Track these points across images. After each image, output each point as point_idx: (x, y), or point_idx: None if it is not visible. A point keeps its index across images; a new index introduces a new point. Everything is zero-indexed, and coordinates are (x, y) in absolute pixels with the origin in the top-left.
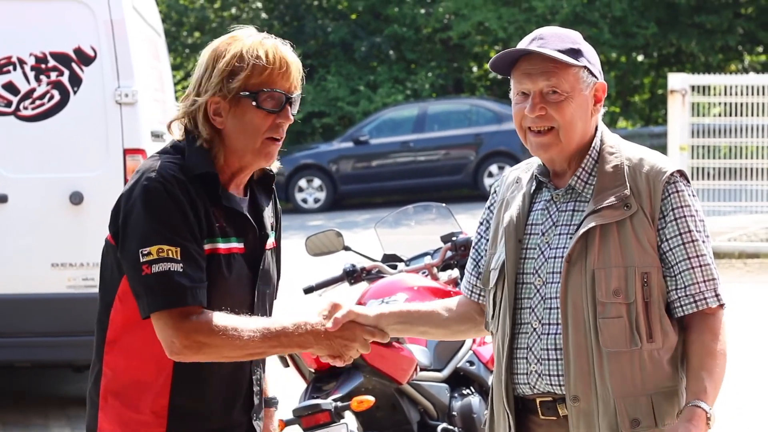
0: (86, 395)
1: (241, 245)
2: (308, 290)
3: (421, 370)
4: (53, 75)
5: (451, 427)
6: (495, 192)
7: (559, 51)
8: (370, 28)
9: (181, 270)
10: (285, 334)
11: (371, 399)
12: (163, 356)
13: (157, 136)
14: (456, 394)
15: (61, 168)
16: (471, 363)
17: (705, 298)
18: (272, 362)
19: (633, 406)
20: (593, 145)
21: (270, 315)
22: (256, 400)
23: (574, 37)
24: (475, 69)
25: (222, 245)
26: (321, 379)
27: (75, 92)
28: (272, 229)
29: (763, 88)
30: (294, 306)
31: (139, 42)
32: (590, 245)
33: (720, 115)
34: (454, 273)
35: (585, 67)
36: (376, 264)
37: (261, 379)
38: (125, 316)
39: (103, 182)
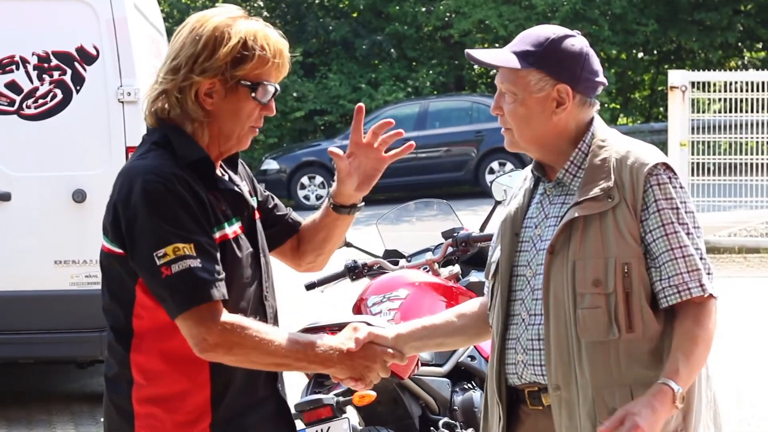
0: (105, 405)
1: (240, 224)
2: (310, 286)
3: (423, 365)
4: (56, 74)
5: (452, 421)
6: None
7: (515, 53)
8: (371, 27)
9: (200, 265)
10: (312, 348)
11: (373, 394)
12: None
13: None
14: (457, 389)
15: (64, 166)
16: (472, 358)
17: (688, 288)
18: None
19: (611, 396)
20: (584, 139)
21: (273, 285)
22: (279, 373)
23: (541, 38)
24: (475, 66)
25: (228, 230)
26: (322, 375)
27: (78, 91)
28: (252, 196)
29: (763, 84)
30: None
31: (142, 41)
32: (573, 236)
33: (720, 112)
34: (455, 268)
35: (539, 70)
36: (377, 260)
37: None
38: (152, 322)
39: (105, 180)
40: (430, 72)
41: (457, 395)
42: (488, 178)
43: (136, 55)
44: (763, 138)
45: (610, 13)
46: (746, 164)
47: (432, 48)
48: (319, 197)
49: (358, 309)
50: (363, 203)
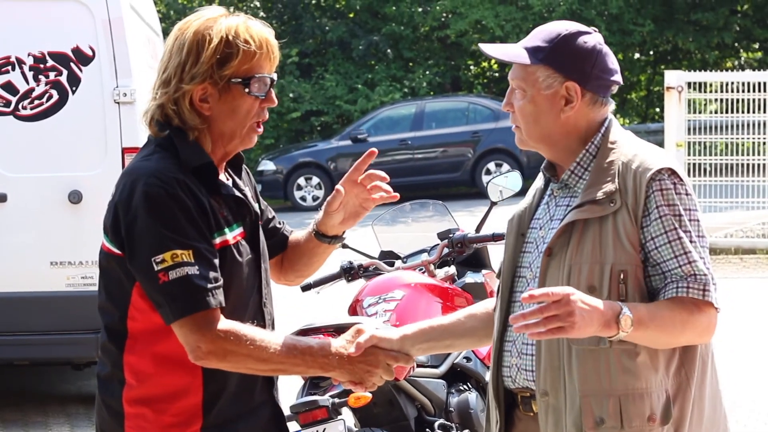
0: (97, 404)
1: (241, 230)
2: (306, 287)
3: (418, 366)
4: (52, 75)
5: (448, 423)
6: None
7: (527, 48)
8: (367, 27)
9: (198, 272)
10: (310, 353)
11: (368, 395)
12: None
13: None
14: (453, 390)
15: (60, 167)
16: (468, 359)
17: (688, 287)
18: None
19: (599, 405)
20: (593, 140)
21: (270, 291)
22: (275, 379)
23: (553, 34)
24: (472, 67)
25: (229, 235)
26: (318, 376)
27: (73, 92)
28: (255, 201)
29: (759, 84)
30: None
31: (137, 41)
32: (572, 240)
33: (716, 112)
34: (451, 270)
35: (548, 66)
36: (373, 261)
37: None
38: (146, 324)
39: (102, 181)
40: (427, 72)
41: (453, 397)
42: (485, 179)
43: (132, 55)
44: (759, 138)
45: (607, 13)
46: (743, 165)
47: (428, 48)
48: (315, 198)
49: (353, 310)
50: (345, 237)
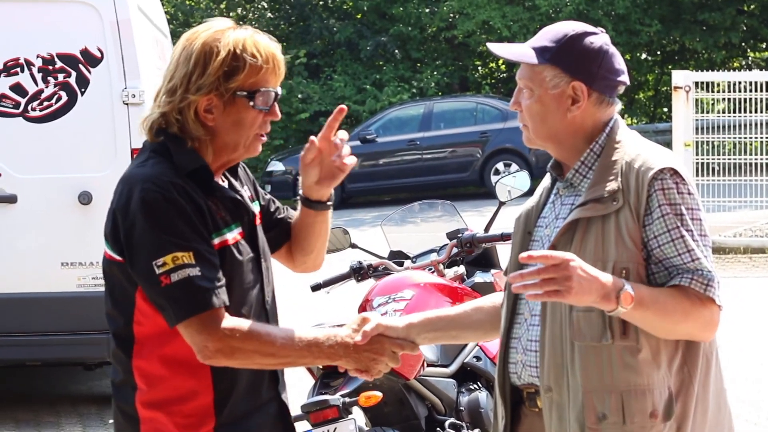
0: (114, 411)
1: (240, 230)
2: (315, 287)
3: (428, 365)
4: (60, 76)
5: (458, 422)
6: None
7: (534, 48)
8: (375, 28)
9: (200, 273)
10: (316, 345)
11: (379, 394)
12: None
13: None
14: (463, 390)
15: (70, 168)
16: (478, 358)
17: (692, 279)
18: None
19: (601, 401)
20: (597, 139)
21: (274, 290)
22: (280, 376)
23: (560, 34)
24: (480, 67)
25: (228, 235)
26: (329, 375)
27: (82, 93)
28: (253, 201)
29: (767, 84)
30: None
31: (146, 42)
32: (575, 238)
33: (724, 112)
34: (460, 269)
35: (555, 66)
36: (382, 261)
37: None
38: (152, 328)
39: (111, 182)
40: (435, 73)
41: (463, 396)
42: (493, 179)
43: (141, 56)
44: (767, 137)
45: (614, 13)
46: (751, 164)
47: (436, 49)
48: None
49: (363, 310)
50: (331, 201)
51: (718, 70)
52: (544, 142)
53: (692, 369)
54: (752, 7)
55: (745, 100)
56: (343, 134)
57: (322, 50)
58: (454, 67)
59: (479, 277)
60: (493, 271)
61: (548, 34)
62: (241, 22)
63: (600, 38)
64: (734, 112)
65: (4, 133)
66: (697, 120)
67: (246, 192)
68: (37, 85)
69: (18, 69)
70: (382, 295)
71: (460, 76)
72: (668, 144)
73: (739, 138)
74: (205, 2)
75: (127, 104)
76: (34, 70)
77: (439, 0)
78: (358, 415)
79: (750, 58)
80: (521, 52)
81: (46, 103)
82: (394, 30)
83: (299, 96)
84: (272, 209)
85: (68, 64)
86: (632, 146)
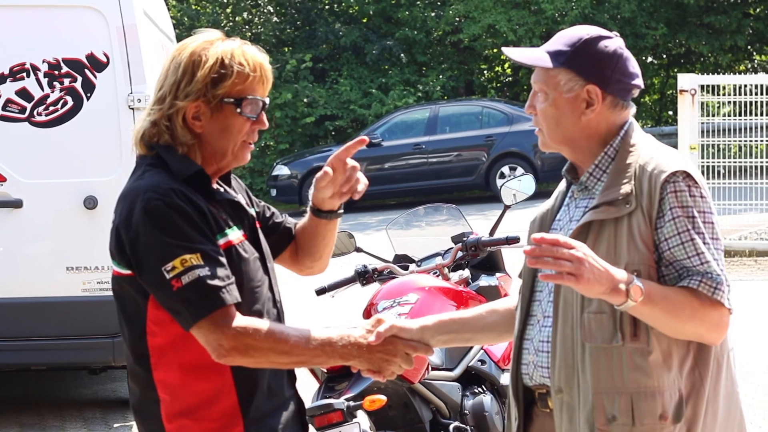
0: (139, 428)
1: (242, 232)
2: (320, 291)
3: (433, 369)
4: (66, 81)
5: (463, 425)
6: None
7: (549, 52)
8: (381, 32)
9: (209, 272)
10: (329, 344)
11: (383, 398)
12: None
13: None
14: (468, 393)
15: (76, 173)
16: (482, 362)
17: (701, 281)
18: None
19: (611, 402)
20: (612, 142)
21: (279, 292)
22: (295, 374)
23: (574, 38)
24: (485, 71)
25: (232, 236)
26: (333, 379)
27: (88, 98)
28: (249, 206)
29: None
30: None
31: (151, 47)
32: (587, 240)
33: (729, 115)
34: (465, 273)
35: (569, 70)
36: (387, 265)
37: None
38: (166, 337)
39: (117, 186)
40: (440, 77)
41: (468, 399)
42: (498, 182)
43: (146, 61)
44: None
45: (619, 17)
46: (756, 167)
47: (442, 53)
48: None
49: (368, 313)
50: (342, 211)
51: (723, 74)
52: (558, 146)
53: (703, 372)
54: (758, 10)
55: (750, 103)
56: (355, 164)
57: (327, 54)
58: (460, 71)
59: (484, 281)
60: (498, 274)
61: (563, 38)
62: (247, 27)
63: (614, 42)
64: (740, 115)
65: (9, 137)
66: (702, 123)
67: (242, 198)
68: (42, 90)
69: (24, 74)
70: (386, 299)
71: (466, 80)
72: (674, 147)
73: (745, 141)
74: (211, 7)
75: (132, 109)
76: (40, 75)
77: (445, 4)
78: (362, 419)
79: (756, 62)
80: (536, 56)
81: (51, 108)
82: (400, 34)
83: (305, 100)
84: (268, 215)
85: (74, 69)
86: (646, 149)
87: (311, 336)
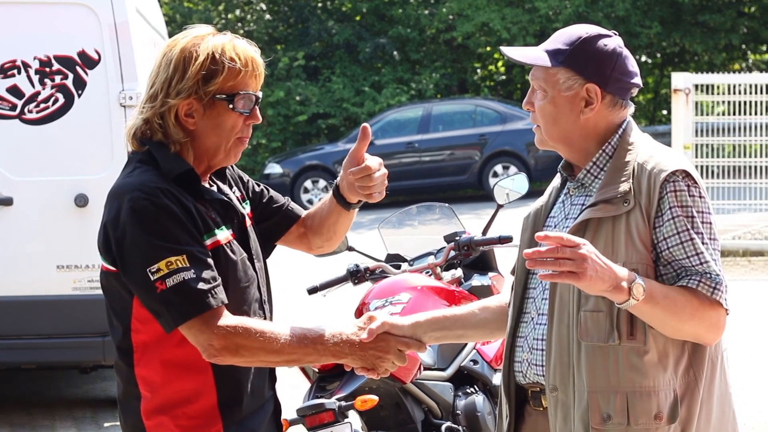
0: (122, 426)
1: (231, 231)
2: (312, 290)
3: (425, 369)
4: (57, 78)
5: (455, 425)
6: None
7: (548, 51)
8: (374, 30)
9: (195, 275)
10: (321, 342)
11: (375, 398)
12: (200, 359)
13: None
14: (460, 393)
15: (66, 170)
16: (475, 362)
17: (699, 281)
18: None
19: (606, 401)
20: (610, 141)
21: (270, 290)
22: (276, 374)
23: (573, 37)
24: (479, 69)
25: (220, 236)
26: (325, 379)
27: (79, 95)
28: (243, 201)
29: (767, 86)
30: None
31: (143, 45)
32: (585, 238)
33: (724, 114)
34: (457, 272)
35: (569, 68)
36: (379, 264)
37: None
38: (150, 334)
39: (108, 184)
40: (434, 75)
41: (460, 399)
42: (491, 181)
43: (138, 59)
44: (767, 140)
45: (613, 15)
46: (750, 167)
47: (435, 51)
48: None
49: (360, 313)
50: (359, 205)
51: (718, 73)
52: (555, 144)
53: (698, 372)
54: (753, 9)
55: (745, 102)
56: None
57: (320, 52)
58: (453, 69)
59: (476, 280)
60: (490, 274)
61: (562, 37)
62: (239, 24)
63: (613, 41)
64: (734, 114)
65: (0, 135)
66: (696, 122)
67: (233, 195)
68: (33, 87)
69: (15, 71)
70: (378, 298)
71: (459, 79)
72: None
73: (739, 140)
74: (203, 4)
75: (124, 106)
76: (31, 72)
77: (439, 2)
78: (354, 419)
79: (750, 61)
80: (535, 55)
81: (42, 105)
82: (393, 32)
83: (297, 98)
84: (266, 199)
85: (65, 66)
86: (644, 148)
87: (302, 334)
